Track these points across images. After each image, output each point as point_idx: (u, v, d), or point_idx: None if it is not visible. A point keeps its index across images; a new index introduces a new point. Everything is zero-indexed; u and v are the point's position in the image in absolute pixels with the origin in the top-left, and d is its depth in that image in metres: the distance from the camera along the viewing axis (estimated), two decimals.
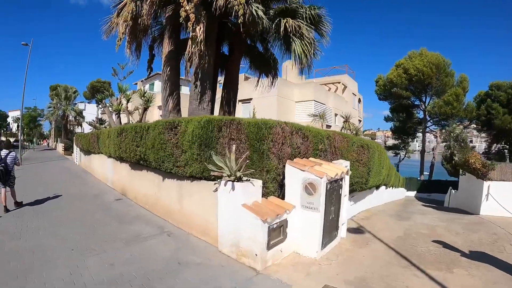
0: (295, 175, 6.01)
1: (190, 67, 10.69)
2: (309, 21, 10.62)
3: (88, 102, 61.91)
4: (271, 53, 13.71)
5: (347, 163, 7.84)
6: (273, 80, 14.47)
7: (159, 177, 7.98)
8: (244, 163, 5.41)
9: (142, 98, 18.22)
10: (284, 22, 9.99)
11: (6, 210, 8.41)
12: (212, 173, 5.55)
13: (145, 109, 18.36)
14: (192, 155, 6.01)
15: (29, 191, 11.30)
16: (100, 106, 20.35)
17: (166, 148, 6.73)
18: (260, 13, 9.17)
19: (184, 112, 11.88)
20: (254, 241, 5.19)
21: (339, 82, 36.50)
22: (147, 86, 37.19)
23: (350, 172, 7.41)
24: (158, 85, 39.72)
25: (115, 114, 18.10)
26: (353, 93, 38.35)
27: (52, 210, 8.82)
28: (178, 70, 12.63)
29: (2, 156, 8.56)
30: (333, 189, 6.26)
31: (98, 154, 14.56)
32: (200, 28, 9.12)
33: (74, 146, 24.95)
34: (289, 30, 9.96)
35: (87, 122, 35.26)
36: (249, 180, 5.62)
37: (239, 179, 5.46)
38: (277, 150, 6.33)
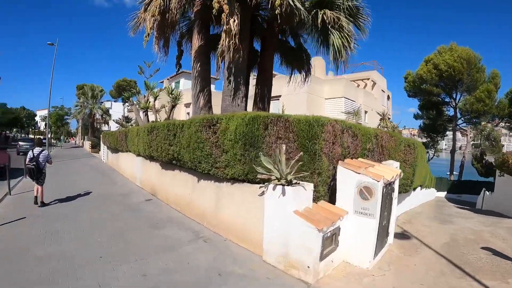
0: (348, 178, 5.42)
1: (222, 62, 10.27)
2: (347, 13, 9.97)
3: (114, 101, 62.55)
4: (303, 48, 13.09)
5: (397, 163, 7.25)
6: (305, 76, 13.82)
7: (194, 178, 7.54)
8: (296, 165, 4.89)
9: (170, 95, 17.90)
10: (322, 13, 9.37)
11: (40, 203, 8.79)
12: (259, 176, 5.03)
13: (173, 107, 18.05)
14: (235, 155, 5.52)
15: (57, 190, 11.11)
16: (127, 104, 19.96)
17: (204, 148, 6.28)
18: (298, 4, 8.62)
19: (215, 110, 11.45)
20: (307, 252, 4.65)
21: (368, 79, 35.36)
22: (172, 84, 37.06)
23: (402, 174, 6.77)
24: (183, 83, 39.75)
25: (143, 112, 17.85)
26: (382, 90, 37.11)
27: (79, 211, 8.50)
28: (208, 66, 12.18)
29: (35, 154, 8.66)
30: (387, 193, 5.66)
31: (126, 153, 14.33)
32: (234, 20, 8.63)
33: (101, 144, 25.01)
34: (327, 22, 9.34)
35: (114, 120, 35.43)
36: (300, 183, 5.07)
37: (289, 183, 4.93)
38: (328, 150, 5.73)
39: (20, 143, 30.80)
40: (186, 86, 36.86)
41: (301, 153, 5.05)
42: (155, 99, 18.69)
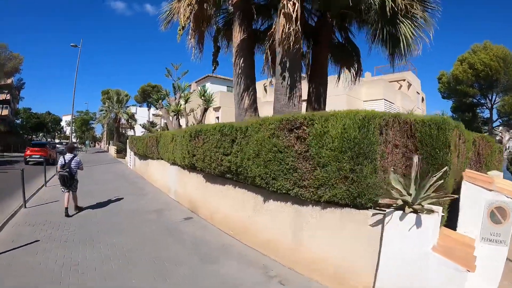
0: (476, 196, 4.04)
1: (268, 55, 8.94)
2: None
3: (139, 106, 62.33)
4: (352, 43, 11.70)
5: (500, 173, 5.86)
6: (356, 74, 12.21)
7: (258, 197, 5.86)
8: (430, 184, 3.27)
9: (202, 97, 16.45)
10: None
11: (67, 213, 8.32)
12: (381, 201, 3.36)
13: (205, 110, 16.57)
14: (339, 171, 3.83)
15: (79, 202, 9.69)
16: (154, 108, 18.58)
17: (285, 160, 4.61)
18: None
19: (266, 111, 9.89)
20: None
21: (403, 80, 33.25)
22: (198, 88, 36.17)
23: None
24: (209, 87, 38.57)
25: (174, 116, 16.40)
26: (417, 92, 35.03)
27: (105, 233, 6.95)
28: (252, 62, 10.91)
29: (66, 161, 8.41)
30: None
31: (157, 160, 12.84)
32: (294, 3, 7.17)
33: (128, 150, 23.79)
34: (397, 9, 7.71)
35: (140, 125, 34.47)
36: (434, 209, 3.53)
37: (421, 210, 3.38)
38: (454, 161, 4.04)
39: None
40: (212, 90, 35.90)
41: (440, 170, 3.31)
42: (186, 101, 17.25)
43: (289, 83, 8.23)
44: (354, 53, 11.80)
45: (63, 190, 8.50)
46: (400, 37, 8.20)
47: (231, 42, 12.55)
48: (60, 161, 8.48)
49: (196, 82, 39.02)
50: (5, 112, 56.83)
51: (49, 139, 78.85)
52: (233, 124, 6.00)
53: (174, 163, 10.15)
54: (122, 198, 10.90)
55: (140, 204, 10.03)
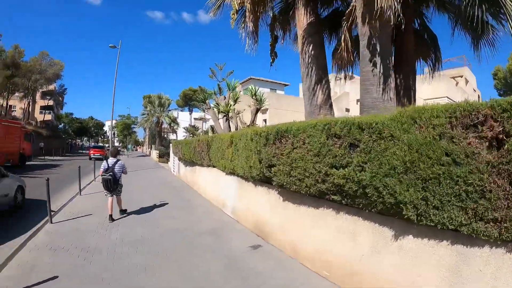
0: None
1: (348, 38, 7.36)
2: None
3: (181, 110, 61.98)
4: (428, 30, 10.05)
5: None
6: (433, 66, 10.29)
7: (383, 230, 3.83)
8: None
9: (253, 97, 14.55)
10: None
11: (112, 219, 8.13)
12: None
13: (257, 111, 14.67)
14: None
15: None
16: (202, 108, 16.71)
17: (465, 176, 2.64)
18: None
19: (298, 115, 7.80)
20: None
21: (461, 76, 30.20)
22: (241, 92, 34.41)
23: None
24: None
25: (224, 117, 14.58)
26: (473, 89, 31.89)
27: (144, 270, 5.10)
28: (323, 49, 9.36)
29: (110, 165, 8.22)
30: None
31: (207, 168, 11.02)
32: None
33: (171, 154, 22.37)
34: None
35: (184, 128, 33.29)
36: None
37: None
38: None
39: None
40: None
41: None
42: (235, 101, 15.37)
43: (381, 71, 6.54)
44: (432, 41, 9.99)
45: (107, 194, 8.29)
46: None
47: (287, 32, 11.32)
48: (103, 165, 8.23)
49: (241, 83, 37.54)
50: (48, 117, 58.52)
51: (92, 143, 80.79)
52: (353, 119, 3.89)
53: (232, 173, 8.27)
54: (167, 213, 9.25)
55: (189, 222, 8.23)
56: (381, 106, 6.41)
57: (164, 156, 34.61)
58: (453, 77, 30.49)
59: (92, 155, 35.78)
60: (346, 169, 3.86)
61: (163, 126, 43.83)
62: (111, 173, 8.08)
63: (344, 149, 3.95)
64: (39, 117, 57.60)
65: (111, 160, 8.33)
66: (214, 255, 5.88)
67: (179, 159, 17.45)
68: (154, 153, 40.00)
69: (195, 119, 55.95)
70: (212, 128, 25.58)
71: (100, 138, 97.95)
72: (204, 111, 20.19)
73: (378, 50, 6.58)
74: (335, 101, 28.72)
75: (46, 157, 35.47)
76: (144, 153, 67.17)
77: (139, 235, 6.94)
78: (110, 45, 21.96)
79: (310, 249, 5.16)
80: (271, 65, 12.44)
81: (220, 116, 15.57)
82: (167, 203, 10.53)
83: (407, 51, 8.76)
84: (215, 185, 10.32)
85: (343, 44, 7.89)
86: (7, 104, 45.51)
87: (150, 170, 23.67)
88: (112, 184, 8.13)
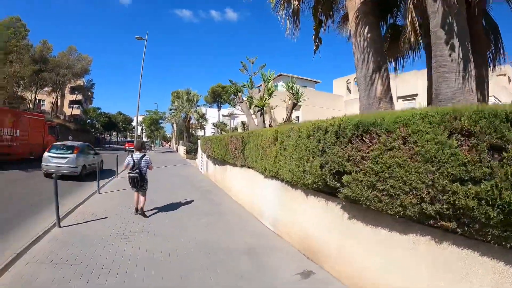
0: None
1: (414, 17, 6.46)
2: None
3: (209, 107, 61.18)
4: (489, 17, 8.17)
5: None
6: (493, 59, 8.22)
7: None
8: None
9: (290, 91, 13.03)
10: None
11: (139, 211, 7.95)
12: None
13: (294, 106, 13.15)
14: None
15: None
16: (234, 102, 15.24)
17: None
18: None
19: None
20: None
21: (504, 74, 27.64)
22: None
23: None
24: (284, 86, 35.38)
25: (258, 111, 13.13)
26: None
27: None
28: (380, 32, 8.35)
29: (135, 160, 7.75)
30: None
31: (241, 168, 9.61)
32: None
33: (199, 151, 21.18)
34: None
35: (212, 124, 32.22)
36: None
37: None
38: None
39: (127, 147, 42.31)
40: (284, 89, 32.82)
41: None
42: (270, 95, 13.86)
43: (461, 55, 5.35)
44: (492, 30, 8.20)
45: (133, 189, 8.01)
46: None
47: (330, 17, 10.33)
48: (128, 160, 7.82)
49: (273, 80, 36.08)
50: (76, 111, 59.12)
51: (122, 138, 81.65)
52: (495, 108, 2.40)
53: (275, 177, 6.83)
54: (192, 218, 7.97)
55: (219, 233, 6.85)
56: (461, 98, 5.17)
57: (191, 153, 33.67)
58: (497, 75, 28.09)
59: (127, 147, 42.17)
60: (481, 185, 2.35)
61: (191, 122, 42.96)
62: (137, 170, 7.68)
63: (479, 153, 2.42)
64: (67, 111, 58.29)
65: (137, 155, 7.85)
66: (253, 284, 4.48)
67: (208, 156, 16.16)
68: (181, 149, 39.13)
69: (223, 115, 54.98)
70: (243, 124, 24.21)
71: (128, 133, 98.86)
72: (236, 105, 18.72)
73: (456, 30, 5.34)
74: (356, 101, 26.77)
75: None
76: (172, 148, 66.86)
77: (158, 250, 5.61)
78: (136, 36, 20.95)
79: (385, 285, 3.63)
80: (314, 52, 11.13)
81: (252, 111, 14.18)
82: (194, 207, 9.22)
83: (478, 36, 7.18)
84: (250, 189, 8.88)
85: (408, 25, 6.36)
86: (35, 98, 45.98)
87: (176, 167, 22.57)
88: (140, 181, 7.74)
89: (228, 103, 28.77)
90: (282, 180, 6.47)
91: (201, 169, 19.19)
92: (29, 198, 9.47)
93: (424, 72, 8.65)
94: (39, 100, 52.21)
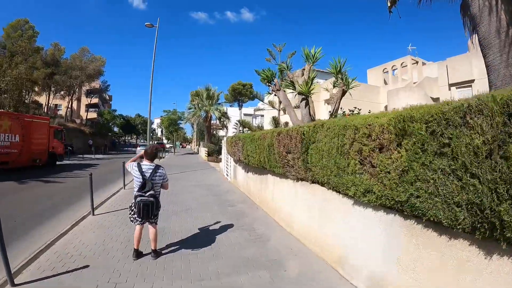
0: None
1: None
2: None
3: (230, 106, 58.25)
4: None
5: None
6: None
7: None
8: None
9: (338, 75, 9.59)
10: None
11: (137, 255, 5.17)
12: None
13: (343, 94, 9.69)
14: None
15: None
16: (270, 89, 11.65)
17: None
18: None
19: None
20: None
21: None
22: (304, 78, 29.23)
23: None
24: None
25: (302, 101, 9.73)
26: None
27: None
28: None
29: (145, 173, 4.93)
30: None
31: (298, 183, 6.28)
32: None
33: (223, 153, 17.97)
34: None
35: (237, 122, 29.00)
36: None
37: None
38: None
39: (138, 148, 38.56)
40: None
41: None
42: (312, 80, 10.34)
43: None
44: None
45: (135, 220, 5.11)
46: None
47: None
48: (135, 175, 4.96)
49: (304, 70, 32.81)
50: (94, 115, 57.60)
51: (142, 141, 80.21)
52: None
53: (388, 207, 3.51)
54: (223, 267, 4.74)
55: None
56: None
57: (213, 154, 30.72)
58: None
59: (138, 149, 37.90)
60: None
61: (212, 121, 39.91)
62: (151, 192, 4.87)
63: None
64: (84, 115, 57.31)
65: (147, 167, 5.02)
66: None
67: (236, 161, 12.87)
68: (203, 151, 36.20)
69: (244, 114, 51.99)
70: (274, 120, 20.85)
71: (152, 135, 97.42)
72: (271, 94, 14.98)
73: None
74: (415, 88, 23.06)
75: (85, 156, 33.04)
76: (193, 150, 64.46)
77: None
78: (146, 23, 17.94)
79: None
80: (389, 10, 8.34)
81: (298, 99, 10.91)
82: (228, 246, 5.92)
83: None
84: (318, 218, 5.51)
85: None
86: (47, 102, 45.20)
87: (197, 173, 19.43)
88: (154, 210, 4.97)
89: (256, 97, 25.40)
90: (411, 217, 3.16)
91: (227, 175, 15.97)
92: None
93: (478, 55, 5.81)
94: (55, 105, 51.96)
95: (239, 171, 12.65)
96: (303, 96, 9.89)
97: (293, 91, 10.75)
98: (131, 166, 5.04)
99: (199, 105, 37.96)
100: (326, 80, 27.20)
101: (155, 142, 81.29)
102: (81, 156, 32.63)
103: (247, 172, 11.07)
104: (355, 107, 13.51)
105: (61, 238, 5.94)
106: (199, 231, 6.74)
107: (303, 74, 10.46)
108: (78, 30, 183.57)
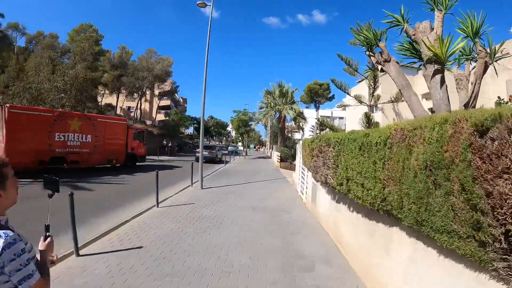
0: None
1: None
2: None
3: (306, 107, 53.82)
4: None
5: None
6: None
7: None
8: None
9: (474, 40, 4.66)
10: None
11: None
12: None
13: (485, 69, 4.66)
14: None
15: None
16: (373, 61, 6.76)
17: None
18: None
19: None
20: None
21: None
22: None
23: None
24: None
25: (436, 74, 4.88)
26: None
27: None
28: None
29: None
30: None
31: None
32: None
33: (298, 162, 13.47)
34: None
35: (317, 119, 24.37)
36: None
37: None
38: None
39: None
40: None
41: None
42: (449, 43, 5.21)
43: None
44: None
45: None
46: None
47: None
48: None
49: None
50: (162, 117, 57.13)
51: (217, 143, 79.54)
52: None
53: None
54: None
55: None
56: None
57: (287, 160, 26.62)
58: None
59: (198, 153, 33.39)
60: None
61: (286, 122, 35.64)
62: None
63: None
64: (158, 117, 57.83)
65: None
66: None
67: (322, 182, 8.00)
68: (275, 155, 32.18)
69: (321, 116, 47.08)
70: (366, 117, 15.77)
71: (224, 138, 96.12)
72: (376, 66, 9.23)
73: None
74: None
75: (149, 157, 31.59)
76: (266, 154, 60.81)
77: None
78: (198, 2, 14.40)
79: None
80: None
81: (409, 84, 6.23)
82: None
83: None
84: None
85: None
86: (116, 103, 46.09)
87: (263, 184, 15.19)
88: None
89: (340, 89, 20.47)
90: None
91: (302, 192, 11.44)
92: None
93: None
94: (128, 107, 53.43)
95: (322, 195, 8.02)
96: (435, 67, 5.12)
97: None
98: None
99: (271, 104, 34.00)
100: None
101: (223, 144, 79.57)
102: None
103: (338, 203, 6.44)
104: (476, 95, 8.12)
105: (125, 224, 6.95)
106: None
107: (431, 28, 5.53)
108: (153, 38, 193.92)
